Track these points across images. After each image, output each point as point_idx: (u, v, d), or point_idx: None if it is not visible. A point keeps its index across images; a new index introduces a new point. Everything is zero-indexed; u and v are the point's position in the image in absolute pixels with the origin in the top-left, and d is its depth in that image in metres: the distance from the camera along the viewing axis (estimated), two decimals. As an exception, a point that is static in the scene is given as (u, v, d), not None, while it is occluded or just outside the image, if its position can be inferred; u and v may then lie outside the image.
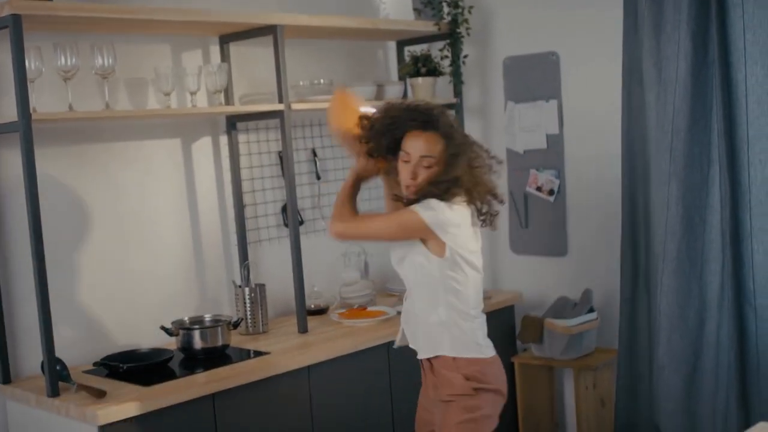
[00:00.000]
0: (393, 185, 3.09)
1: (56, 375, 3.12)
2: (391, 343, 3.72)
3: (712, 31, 3.62)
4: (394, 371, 3.79)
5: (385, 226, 3.01)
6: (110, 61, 3.34)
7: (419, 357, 3.07)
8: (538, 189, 4.44)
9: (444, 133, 2.91)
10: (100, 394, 3.05)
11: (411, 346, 3.10)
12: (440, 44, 4.47)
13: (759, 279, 3.65)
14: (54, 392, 3.09)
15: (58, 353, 3.14)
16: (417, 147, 2.90)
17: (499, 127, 4.56)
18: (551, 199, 4.41)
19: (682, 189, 3.74)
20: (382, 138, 2.98)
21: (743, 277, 3.69)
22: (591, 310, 4.20)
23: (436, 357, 2.98)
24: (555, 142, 4.38)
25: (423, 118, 2.93)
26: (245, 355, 3.55)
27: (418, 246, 2.94)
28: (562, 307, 4.23)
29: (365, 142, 3.02)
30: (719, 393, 3.75)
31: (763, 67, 3.55)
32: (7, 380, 3.32)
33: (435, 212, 2.86)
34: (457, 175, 2.89)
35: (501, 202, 2.99)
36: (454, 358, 2.95)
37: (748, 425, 3.62)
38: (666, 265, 3.79)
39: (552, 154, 4.38)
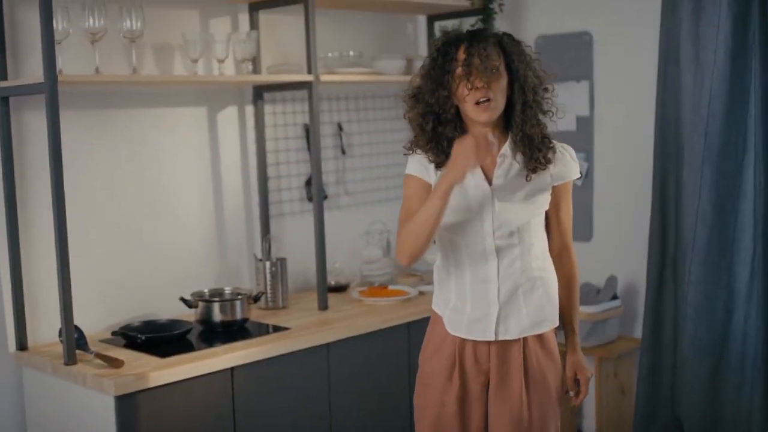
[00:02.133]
0: None
1: (74, 343, 3.07)
2: (412, 323, 3.70)
3: (753, 14, 3.53)
4: (414, 351, 3.72)
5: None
6: (138, 24, 3.27)
7: (522, 335, 2.66)
8: (566, 172, 4.36)
9: (498, 40, 2.56)
10: (117, 364, 3.00)
11: (509, 335, 2.66)
12: (472, 20, 4.38)
13: (790, 271, 3.58)
14: (71, 360, 3.05)
15: (76, 321, 3.09)
16: (474, 52, 2.51)
17: (529, 107, 4.47)
18: (579, 182, 4.34)
19: (716, 175, 3.66)
20: (438, 78, 2.55)
21: (774, 268, 3.62)
22: (615, 297, 4.14)
23: (543, 333, 2.69)
24: (585, 124, 4.30)
25: (470, 30, 2.59)
26: (264, 330, 3.50)
27: (547, 200, 2.67)
28: (586, 294, 4.16)
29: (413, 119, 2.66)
30: (744, 386, 3.69)
31: (805, 52, 3.47)
32: (24, 347, 3.28)
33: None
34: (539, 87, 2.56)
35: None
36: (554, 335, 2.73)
37: (773, 420, 3.57)
38: (695, 254, 3.72)
39: (581, 137, 4.30)
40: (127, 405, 2.91)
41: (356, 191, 4.39)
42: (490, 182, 2.60)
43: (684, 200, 3.79)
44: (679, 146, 3.81)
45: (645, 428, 3.99)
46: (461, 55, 2.52)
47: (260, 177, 3.98)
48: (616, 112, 4.22)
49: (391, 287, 4.07)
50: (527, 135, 2.58)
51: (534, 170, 2.60)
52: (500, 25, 4.36)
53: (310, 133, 3.80)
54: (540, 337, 2.68)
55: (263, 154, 3.97)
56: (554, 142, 2.66)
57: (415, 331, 3.72)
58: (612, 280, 4.16)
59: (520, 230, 2.62)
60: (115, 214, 3.56)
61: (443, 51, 2.56)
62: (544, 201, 2.66)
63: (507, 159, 2.61)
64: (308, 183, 4.12)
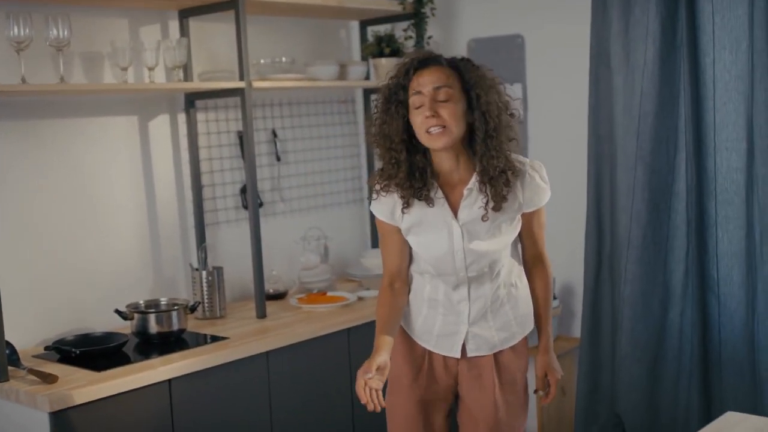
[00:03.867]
0: None
1: (5, 359, 3.00)
2: (352, 329, 3.68)
3: (681, 13, 3.57)
4: (354, 357, 3.72)
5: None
6: (65, 33, 3.21)
7: (486, 353, 2.72)
8: (502, 174, 4.37)
9: (453, 65, 2.53)
10: (51, 380, 2.94)
11: (480, 352, 2.72)
12: (404, 24, 4.38)
13: (723, 267, 3.63)
14: (2, 377, 2.98)
15: (7, 336, 3.03)
16: (424, 81, 2.49)
17: (463, 110, 4.48)
18: (514, 184, 4.35)
19: (648, 174, 3.70)
20: (393, 110, 2.53)
21: (707, 265, 3.66)
22: (553, 298, 4.15)
23: (507, 348, 2.75)
24: (519, 126, 4.29)
25: (422, 57, 2.55)
26: (202, 340, 3.45)
27: (517, 228, 2.67)
28: (524, 294, 4.17)
29: (373, 134, 2.61)
30: (681, 381, 3.73)
31: (731, 52, 3.51)
32: (-47, 364, 3.20)
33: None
34: (494, 114, 2.51)
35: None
36: (525, 338, 2.78)
37: (710, 413, 3.62)
38: (630, 252, 3.75)
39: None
40: (62, 421, 2.84)
41: (292, 198, 4.36)
42: (455, 215, 2.60)
43: (618, 200, 3.83)
44: (613, 146, 3.84)
45: (586, 427, 4.02)
46: (414, 81, 2.50)
47: (194, 185, 3.93)
48: (549, 114, 4.25)
49: (329, 293, 4.05)
50: (490, 167, 2.53)
51: (497, 207, 2.55)
52: (432, 29, 4.38)
53: (243, 141, 3.76)
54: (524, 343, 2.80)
55: (197, 162, 3.92)
56: (524, 163, 2.62)
57: (355, 337, 3.70)
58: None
59: (492, 261, 2.63)
60: (46, 225, 3.48)
61: (395, 81, 2.55)
62: (515, 228, 2.65)
63: (473, 193, 2.59)
64: (243, 191, 4.08)
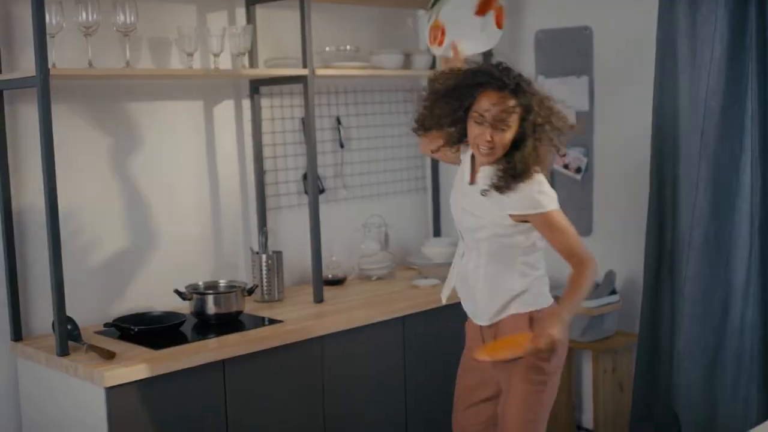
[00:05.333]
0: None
1: (66, 334, 3.09)
2: (407, 317, 3.70)
3: (751, 11, 3.51)
4: (408, 344, 3.74)
5: (577, 242, 2.82)
6: (132, 18, 3.28)
7: (482, 323, 2.97)
8: (566, 167, 4.35)
9: (521, 95, 2.75)
10: (109, 356, 3.02)
11: (467, 309, 3.04)
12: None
13: (787, 268, 3.57)
14: (63, 351, 3.07)
15: (69, 313, 3.12)
16: (492, 108, 2.74)
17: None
18: (578, 177, 4.32)
19: (712, 171, 3.64)
20: (451, 102, 2.82)
21: (771, 265, 3.60)
22: (613, 292, 4.12)
23: (503, 319, 2.91)
24: (585, 119, 4.28)
25: (498, 77, 2.76)
26: (259, 322, 3.51)
27: (508, 221, 2.84)
28: (584, 288, 4.14)
29: (427, 111, 2.90)
30: (740, 383, 3.68)
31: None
32: (18, 337, 3.31)
33: (552, 195, 2.81)
34: (537, 144, 2.78)
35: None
36: (529, 314, 2.88)
37: (768, 416, 3.56)
38: (692, 250, 3.71)
39: (581, 131, 4.29)
40: (118, 396, 2.92)
41: (354, 185, 4.40)
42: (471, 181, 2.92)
43: (681, 196, 3.78)
44: (677, 142, 3.80)
45: (641, 423, 3.99)
46: (484, 101, 2.75)
47: (257, 170, 3.99)
48: (615, 107, 4.20)
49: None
50: (515, 167, 2.78)
51: (498, 188, 2.79)
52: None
53: (305, 127, 3.80)
54: (527, 318, 2.88)
55: (260, 147, 3.98)
56: (537, 175, 2.80)
57: (410, 325, 3.72)
58: (610, 275, 4.15)
59: (476, 237, 2.90)
60: (110, 207, 3.58)
61: (468, 82, 2.79)
62: (497, 219, 2.83)
63: (486, 171, 2.86)
64: (305, 176, 4.12)
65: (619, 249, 4.25)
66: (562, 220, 2.80)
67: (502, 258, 2.88)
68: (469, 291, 2.98)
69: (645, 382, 3.97)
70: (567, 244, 2.80)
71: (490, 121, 2.74)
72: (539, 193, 2.78)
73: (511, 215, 2.80)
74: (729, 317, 3.70)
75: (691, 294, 3.73)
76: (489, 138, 2.74)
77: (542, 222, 2.80)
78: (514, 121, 2.75)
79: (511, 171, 2.77)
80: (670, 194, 3.84)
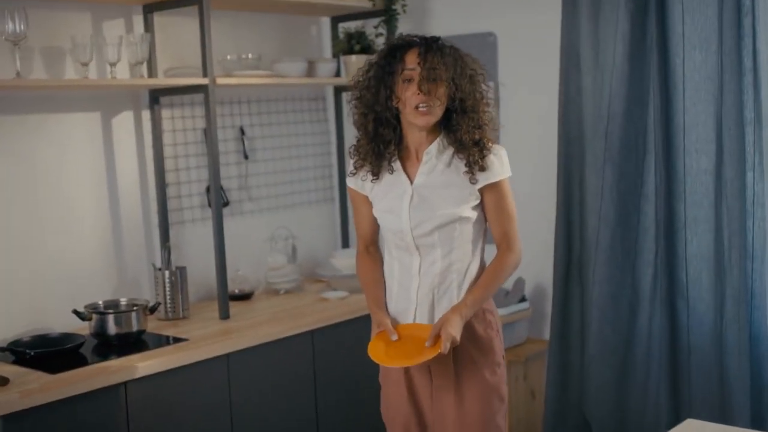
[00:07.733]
0: None
1: (-44, 360, 2.94)
2: (316, 331, 3.63)
3: (651, 13, 3.54)
4: (318, 358, 3.67)
5: (516, 225, 2.78)
6: (22, 26, 3.16)
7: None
8: (473, 174, 4.32)
9: (448, 52, 2.65)
10: (3, 382, 2.88)
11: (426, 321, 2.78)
12: (375, 21, 4.33)
13: (692, 271, 3.60)
14: (-46, 378, 2.92)
15: (-39, 337, 2.97)
16: (418, 59, 2.61)
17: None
18: (484, 184, 4.30)
19: (617, 176, 3.66)
20: (378, 85, 2.66)
21: (676, 268, 3.63)
22: (523, 300, 4.12)
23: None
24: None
25: (412, 38, 2.68)
26: (162, 341, 3.39)
27: (471, 202, 2.71)
28: (494, 296, 4.12)
29: (357, 100, 2.74)
30: (650, 385, 3.70)
31: (701, 52, 3.48)
32: None
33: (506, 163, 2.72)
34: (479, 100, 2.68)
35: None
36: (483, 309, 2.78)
37: (679, 418, 3.58)
38: (599, 255, 3.72)
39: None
40: (13, 425, 2.78)
41: (260, 197, 4.30)
42: (412, 181, 2.72)
43: (587, 201, 3.79)
44: (582, 147, 3.81)
45: (554, 429, 3.98)
46: (410, 58, 2.63)
47: (159, 183, 3.87)
48: (521, 113, 4.20)
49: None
50: (459, 140, 2.67)
51: (473, 179, 2.67)
52: (403, 26, 4.32)
53: (207, 138, 3.70)
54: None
55: (161, 160, 3.86)
56: (490, 145, 2.71)
57: (319, 340, 3.65)
58: (520, 282, 4.14)
59: (440, 231, 2.70)
60: (5, 224, 3.42)
61: (390, 53, 2.67)
62: (467, 202, 2.70)
63: (431, 158, 2.70)
64: (209, 189, 4.02)
65: (528, 256, 4.17)
66: (510, 200, 2.75)
67: (463, 242, 2.74)
68: (427, 297, 2.76)
69: (557, 388, 3.96)
70: (505, 226, 2.76)
71: (420, 74, 2.60)
72: (497, 159, 2.70)
73: (483, 187, 2.68)
74: (637, 321, 3.72)
75: (599, 299, 3.74)
76: (425, 91, 2.59)
77: (497, 189, 2.70)
78: (443, 71, 2.61)
79: (465, 141, 2.65)
80: (578, 200, 3.85)
